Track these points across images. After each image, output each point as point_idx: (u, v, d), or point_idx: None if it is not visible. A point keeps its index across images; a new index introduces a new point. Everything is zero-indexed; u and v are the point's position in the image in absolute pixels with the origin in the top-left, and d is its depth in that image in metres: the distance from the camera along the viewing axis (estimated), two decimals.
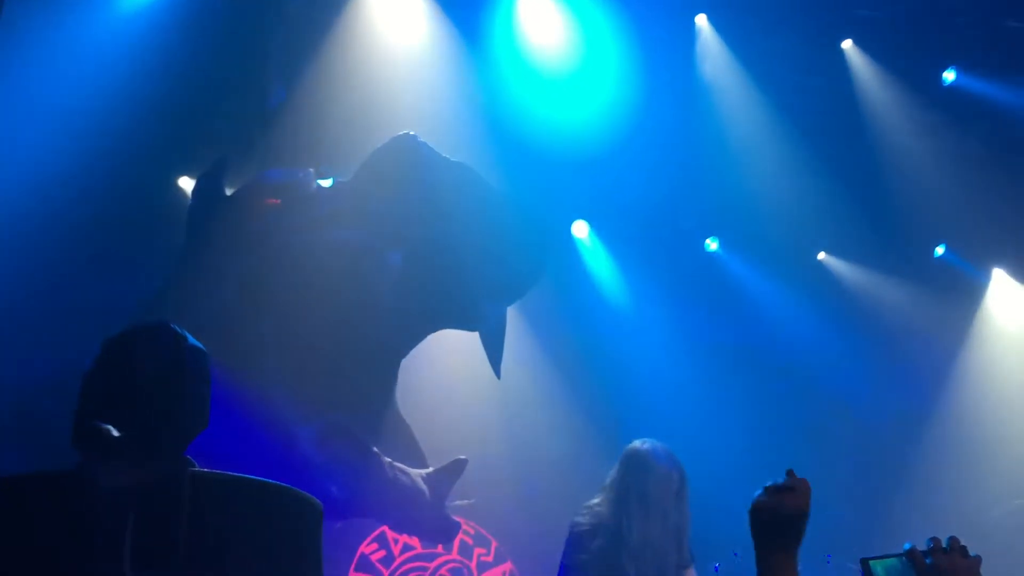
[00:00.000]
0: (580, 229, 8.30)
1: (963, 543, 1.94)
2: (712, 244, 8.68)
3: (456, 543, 6.68)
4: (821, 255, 8.77)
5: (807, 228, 8.20)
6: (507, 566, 6.71)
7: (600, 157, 7.47)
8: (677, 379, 7.91)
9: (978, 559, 1.91)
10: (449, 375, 6.91)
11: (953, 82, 7.81)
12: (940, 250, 8.63)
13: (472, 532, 6.79)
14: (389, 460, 6.09)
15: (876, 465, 8.05)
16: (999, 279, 8.68)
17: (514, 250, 6.51)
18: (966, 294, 8.66)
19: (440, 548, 6.60)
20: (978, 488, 7.94)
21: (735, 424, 7.70)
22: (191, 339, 2.60)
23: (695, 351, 8.13)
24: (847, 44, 7.66)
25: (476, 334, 6.60)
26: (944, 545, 1.93)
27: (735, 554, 6.35)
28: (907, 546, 1.96)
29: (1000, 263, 8.63)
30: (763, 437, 7.63)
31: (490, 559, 6.77)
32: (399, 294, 6.24)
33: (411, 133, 6.37)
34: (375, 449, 6.05)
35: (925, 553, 1.93)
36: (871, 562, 1.98)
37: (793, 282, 8.53)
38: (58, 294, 6.98)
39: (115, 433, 2.36)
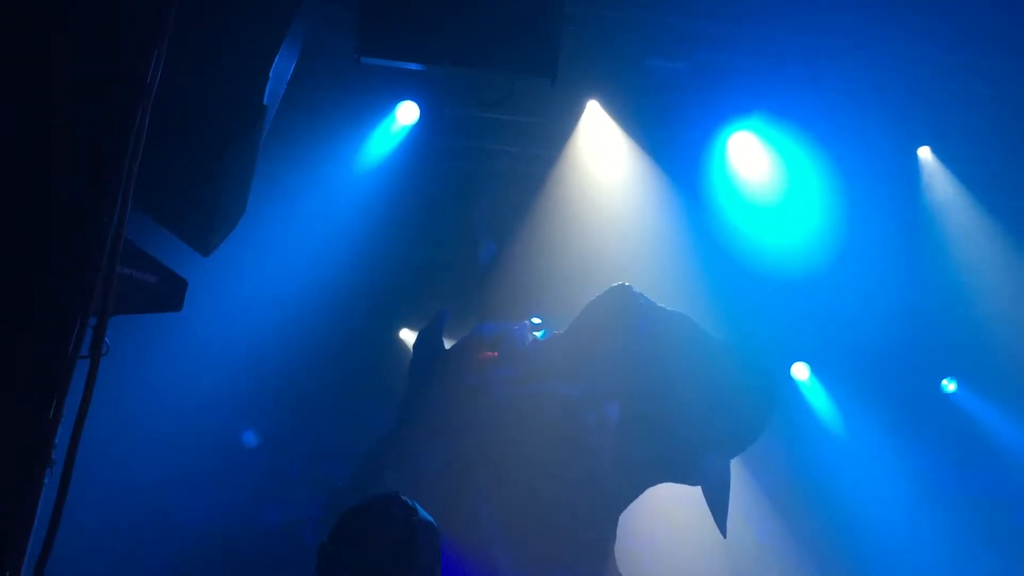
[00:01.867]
0: (801, 371, 7.93)
1: None
2: (950, 385, 8.07)
3: None
4: None
5: None
6: None
7: (820, 294, 7.19)
8: (915, 532, 7.26)
9: None
10: (671, 532, 6.62)
11: None
12: None
13: None
14: None
15: None
16: None
17: (737, 400, 6.26)
18: None
19: None
20: None
21: None
22: (421, 512, 2.58)
23: (935, 501, 7.47)
24: None
25: (698, 488, 6.32)
26: None
27: None
28: None
29: None
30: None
31: None
32: (617, 448, 6.10)
33: (625, 284, 6.35)
34: None
35: None
36: None
37: None
38: (291, 446, 7.35)
39: None
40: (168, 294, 2.64)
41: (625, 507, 6.30)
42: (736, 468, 6.80)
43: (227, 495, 6.90)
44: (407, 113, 6.46)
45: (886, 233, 7.19)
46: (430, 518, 2.58)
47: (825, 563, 6.93)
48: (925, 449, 7.75)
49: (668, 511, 6.62)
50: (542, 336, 6.66)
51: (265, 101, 3.28)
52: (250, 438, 7.21)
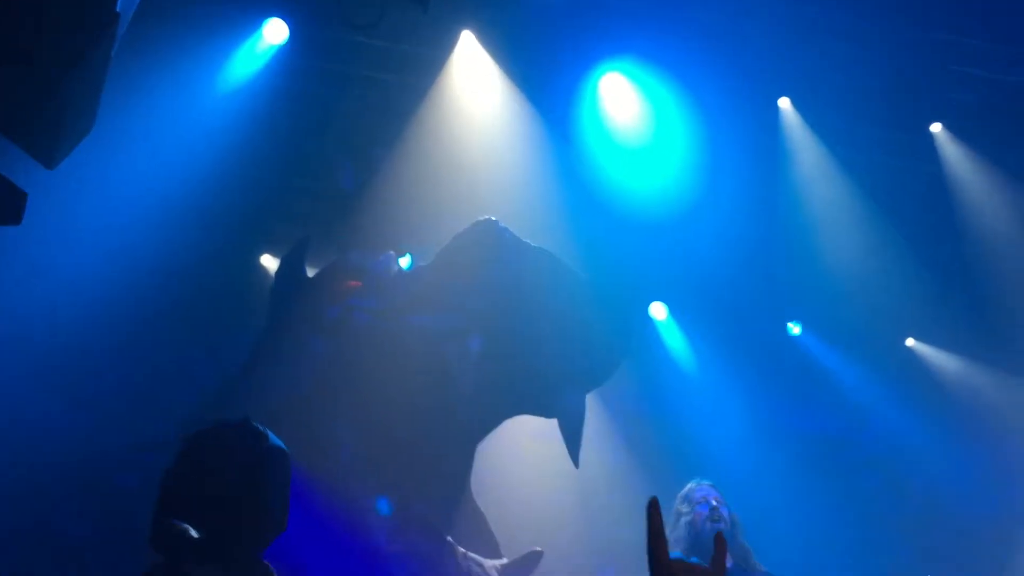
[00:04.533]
0: (658, 311, 8.18)
1: None
2: (795, 328, 8.47)
3: None
4: (910, 341, 8.48)
5: (894, 313, 7.95)
6: None
7: (680, 237, 7.40)
8: (756, 465, 7.66)
9: None
10: (525, 462, 6.79)
11: None
12: None
13: None
14: (463, 551, 5.97)
15: (968, 567, 7.62)
16: None
17: (594, 336, 6.42)
18: None
19: None
20: None
21: (814, 514, 7.41)
22: (272, 438, 2.57)
23: (775, 437, 7.89)
24: (936, 128, 7.48)
25: (554, 421, 6.49)
26: None
27: None
28: None
29: None
30: (844, 529, 7.32)
31: None
32: (477, 380, 6.18)
33: (492, 219, 6.38)
34: (449, 539, 5.93)
35: None
36: None
37: (879, 368, 8.26)
38: (139, 369, 7.11)
39: (193, 534, 2.33)
40: (5, 207, 2.51)
41: (482, 438, 6.42)
42: (591, 402, 7.01)
43: (69, 418, 6.65)
44: (275, 32, 6.26)
45: (745, 180, 7.43)
46: (281, 444, 2.57)
47: (670, 490, 7.19)
48: (769, 388, 8.14)
49: (523, 443, 6.77)
50: (407, 267, 6.64)
51: (119, 8, 3.10)
52: (100, 358, 6.93)
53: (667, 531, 4.89)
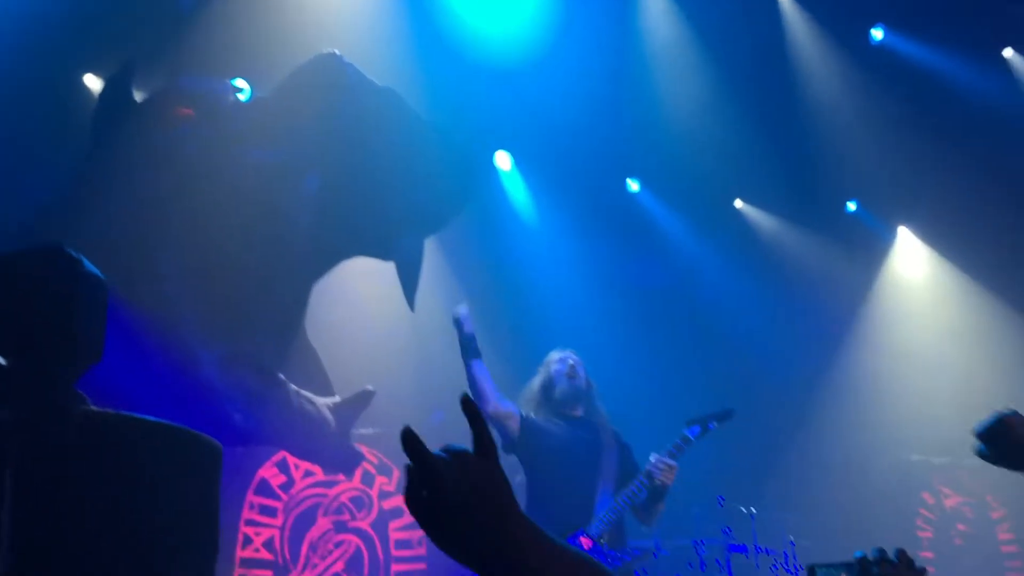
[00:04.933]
0: (503, 160, 8.19)
1: (908, 554, 1.95)
2: (633, 184, 8.68)
3: (358, 472, 6.66)
4: (738, 202, 8.85)
5: (726, 174, 8.25)
6: None
7: (528, 87, 7.35)
8: (590, 315, 7.94)
9: (924, 570, 1.92)
10: (361, 304, 6.79)
11: (881, 40, 7.86)
12: (852, 206, 8.80)
13: (375, 461, 6.77)
14: (295, 388, 6.00)
15: (775, 412, 8.26)
16: (904, 238, 8.91)
17: (436, 180, 6.38)
18: (872, 250, 8.88)
19: (341, 476, 6.56)
20: (869, 439, 8.25)
21: (643, 363, 7.80)
22: (87, 265, 2.45)
23: (610, 289, 8.17)
24: None
25: (391, 263, 6.49)
26: (892, 557, 1.93)
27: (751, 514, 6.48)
28: (858, 554, 1.95)
29: (907, 222, 8.85)
30: (668, 377, 7.76)
31: (392, 488, 6.77)
32: (313, 219, 6.07)
33: (336, 52, 6.12)
34: (281, 376, 5.94)
35: (872, 563, 1.93)
36: (817, 568, 1.99)
37: (709, 227, 8.61)
38: None
39: (2, 362, 2.23)
40: None
41: (318, 278, 6.36)
42: (430, 246, 7.04)
43: None
44: None
45: (596, 35, 7.40)
46: (97, 271, 2.46)
47: (504, 336, 7.38)
48: (607, 242, 8.35)
49: (359, 284, 6.75)
50: (246, 99, 6.33)
51: None
52: None
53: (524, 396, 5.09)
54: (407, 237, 6.40)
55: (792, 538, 6.74)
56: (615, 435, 5.24)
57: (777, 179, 8.32)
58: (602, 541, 4.85)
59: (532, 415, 5.22)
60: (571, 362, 5.30)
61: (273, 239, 5.90)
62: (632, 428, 5.44)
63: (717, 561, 6.51)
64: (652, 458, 4.91)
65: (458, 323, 5.03)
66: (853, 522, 7.71)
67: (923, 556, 8.10)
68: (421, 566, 6.47)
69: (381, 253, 6.48)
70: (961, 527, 8.03)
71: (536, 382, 5.33)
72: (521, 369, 6.30)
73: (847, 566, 1.94)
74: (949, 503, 8.18)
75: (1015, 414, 2.03)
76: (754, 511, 6.72)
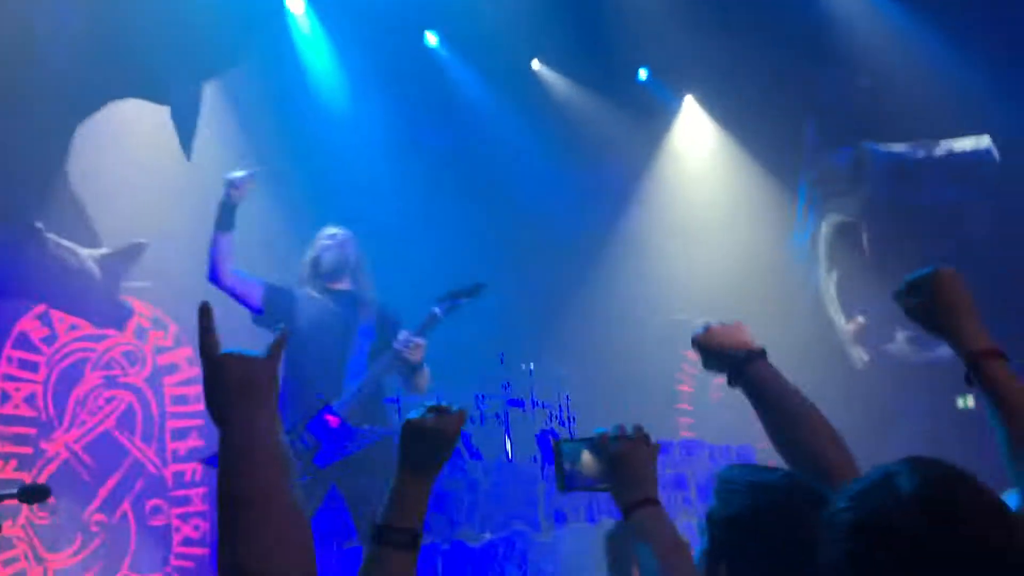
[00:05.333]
0: (295, 4, 7.69)
1: (644, 430, 2.04)
2: (432, 38, 8.43)
3: (131, 326, 6.39)
4: (535, 63, 8.82)
5: (524, 33, 8.13)
6: (187, 351, 6.54)
7: None
8: (384, 177, 7.81)
9: (657, 447, 2.03)
10: (133, 150, 6.34)
11: None
12: (643, 73, 8.97)
13: (149, 315, 6.50)
14: (55, 238, 5.61)
15: (559, 271, 8.54)
16: (689, 106, 9.21)
17: (215, 20, 5.94)
18: (660, 118, 9.14)
19: (112, 331, 6.27)
20: (643, 296, 8.72)
21: (434, 228, 7.82)
22: None
23: (404, 149, 8.02)
24: None
25: (167, 109, 6.09)
26: (629, 432, 2.01)
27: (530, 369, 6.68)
28: (598, 431, 2.04)
29: (692, 90, 9.12)
30: (459, 242, 7.81)
31: (168, 343, 6.56)
32: (76, 58, 5.55)
33: None
34: (38, 224, 5.54)
35: (611, 439, 2.02)
36: (562, 443, 2.06)
37: (506, 86, 8.56)
38: None
39: None
40: None
41: (82, 120, 5.90)
42: (212, 93, 6.64)
43: None
44: None
45: None
46: None
47: (291, 192, 7.14)
48: (407, 101, 8.13)
49: (130, 129, 6.29)
50: None
51: None
52: None
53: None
54: (183, 82, 5.99)
55: (567, 392, 7.13)
56: (381, 309, 5.29)
57: (573, 41, 8.31)
58: (349, 418, 4.96)
59: (288, 288, 5.24)
60: (340, 237, 5.30)
61: (27, 81, 5.37)
62: (419, 296, 5.45)
63: (496, 415, 6.82)
64: (400, 335, 5.00)
65: (227, 186, 4.85)
66: (623, 374, 8.22)
67: (681, 407, 8.79)
68: (198, 422, 6.38)
69: (154, 97, 6.06)
70: (719, 381, 8.71)
71: (308, 255, 5.29)
72: (303, 219, 6.17)
73: (589, 441, 2.05)
74: None
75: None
76: (533, 367, 7.04)
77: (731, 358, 2.17)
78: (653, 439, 2.03)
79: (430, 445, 1.79)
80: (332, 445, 4.85)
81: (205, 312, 1.44)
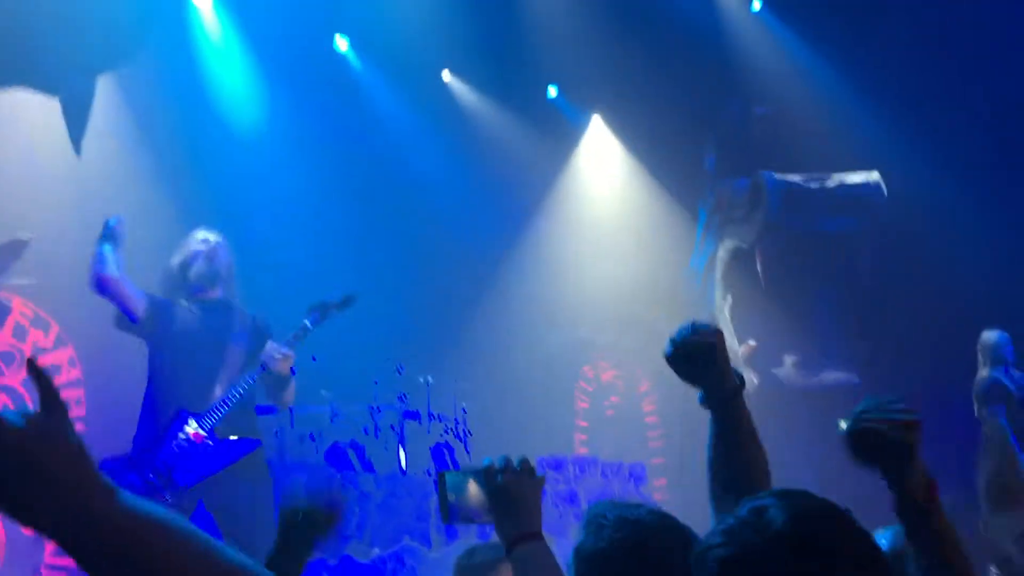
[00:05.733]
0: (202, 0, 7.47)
1: (530, 463, 2.03)
2: (342, 43, 8.32)
3: (9, 324, 6.08)
4: (446, 74, 8.79)
5: (436, 43, 8.10)
6: (68, 351, 6.26)
7: None
8: (285, 181, 7.68)
9: (542, 479, 2.01)
10: (18, 141, 6.06)
11: None
12: (553, 91, 9.03)
13: (30, 314, 6.20)
14: None
15: (461, 284, 8.52)
16: (596, 126, 9.32)
17: (112, 12, 5.74)
18: (567, 136, 9.22)
19: None
20: (546, 313, 8.75)
21: (334, 233, 7.72)
22: None
23: (308, 154, 7.89)
24: None
25: (56, 101, 5.84)
26: (515, 464, 1.99)
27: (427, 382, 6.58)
28: (486, 462, 2.01)
29: (600, 111, 9.23)
30: (360, 248, 7.72)
31: (49, 344, 6.27)
32: None
33: None
34: None
35: (497, 471, 1.99)
36: (446, 474, 2.03)
37: (416, 96, 8.51)
38: None
39: None
40: None
41: None
42: (106, 87, 6.40)
43: None
44: None
45: None
46: None
47: (178, 193, 6.90)
48: (314, 108, 8.00)
49: (17, 121, 6.01)
50: None
51: None
52: None
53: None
54: (75, 76, 5.76)
55: (464, 405, 7.09)
56: (253, 320, 5.21)
57: (485, 54, 8.32)
58: (217, 431, 4.85)
59: (165, 297, 5.12)
60: (213, 242, 5.15)
61: None
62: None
63: (392, 427, 6.73)
64: (268, 347, 4.93)
65: (105, 229, 4.75)
66: (522, 389, 8.24)
67: (578, 424, 8.84)
68: (79, 427, 6.09)
69: (42, 86, 5.80)
70: (614, 399, 8.81)
71: (176, 259, 5.15)
72: (193, 216, 5.96)
73: (475, 472, 2.02)
74: (605, 376, 8.93)
75: (713, 330, 2.08)
76: (431, 379, 6.98)
77: (724, 376, 2.10)
78: (539, 471, 2.02)
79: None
80: (195, 462, 4.74)
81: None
